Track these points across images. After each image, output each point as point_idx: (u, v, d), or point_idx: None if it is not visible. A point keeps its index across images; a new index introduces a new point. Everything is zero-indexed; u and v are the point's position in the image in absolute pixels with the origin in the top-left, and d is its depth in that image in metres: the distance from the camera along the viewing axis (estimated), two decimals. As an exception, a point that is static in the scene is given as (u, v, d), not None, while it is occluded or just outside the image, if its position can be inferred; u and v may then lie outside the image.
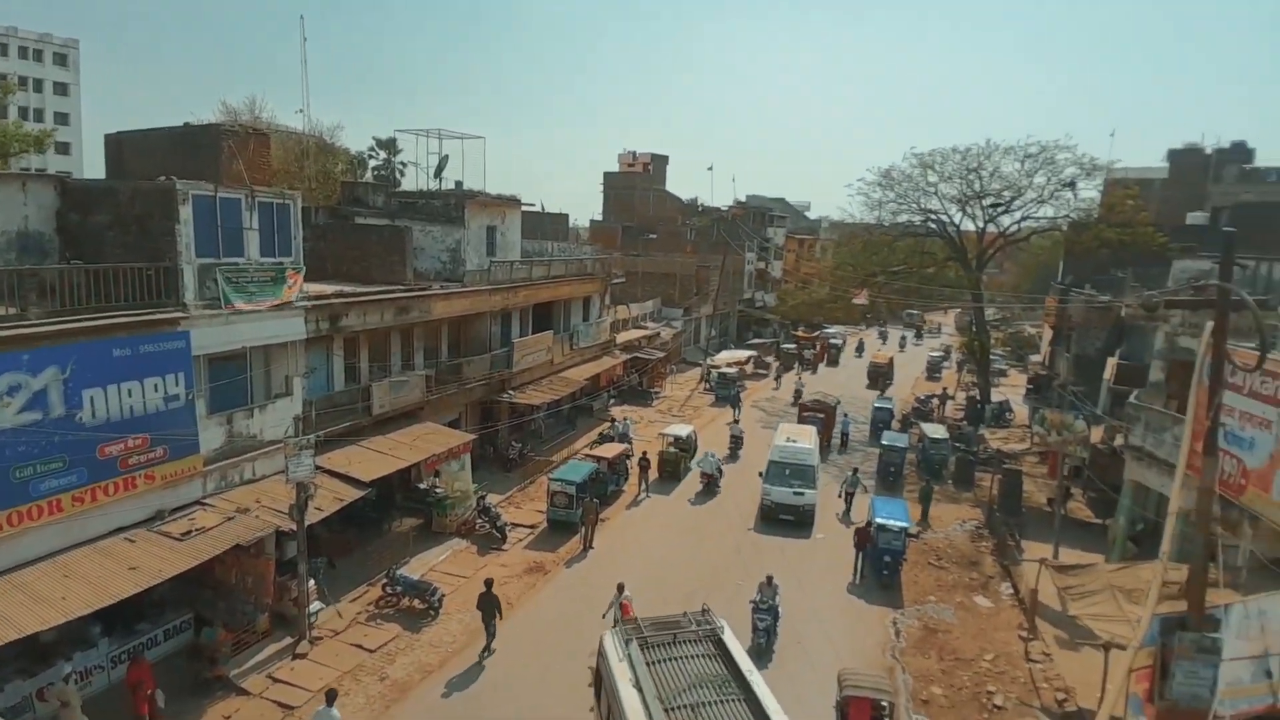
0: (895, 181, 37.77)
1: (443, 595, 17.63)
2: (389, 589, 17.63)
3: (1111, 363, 25.98)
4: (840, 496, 25.31)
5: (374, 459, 19.10)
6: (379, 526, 20.93)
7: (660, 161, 75.10)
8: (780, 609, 16.58)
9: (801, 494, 23.72)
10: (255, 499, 15.83)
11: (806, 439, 26.55)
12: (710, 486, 26.65)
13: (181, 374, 14.61)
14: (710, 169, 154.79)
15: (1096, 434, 23.50)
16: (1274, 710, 10.86)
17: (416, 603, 17.42)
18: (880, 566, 20.01)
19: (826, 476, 27.85)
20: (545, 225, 46.72)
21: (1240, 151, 50.07)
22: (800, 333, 60.75)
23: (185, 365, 14.70)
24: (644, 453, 27.34)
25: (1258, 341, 9.58)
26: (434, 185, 29.45)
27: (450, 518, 21.67)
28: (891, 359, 50.38)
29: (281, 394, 17.50)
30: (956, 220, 37.42)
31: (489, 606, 15.85)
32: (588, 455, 26.56)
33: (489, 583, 16.34)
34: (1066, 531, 21.75)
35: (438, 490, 21.89)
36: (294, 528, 15.24)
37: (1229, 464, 14.48)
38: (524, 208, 31.35)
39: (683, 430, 29.78)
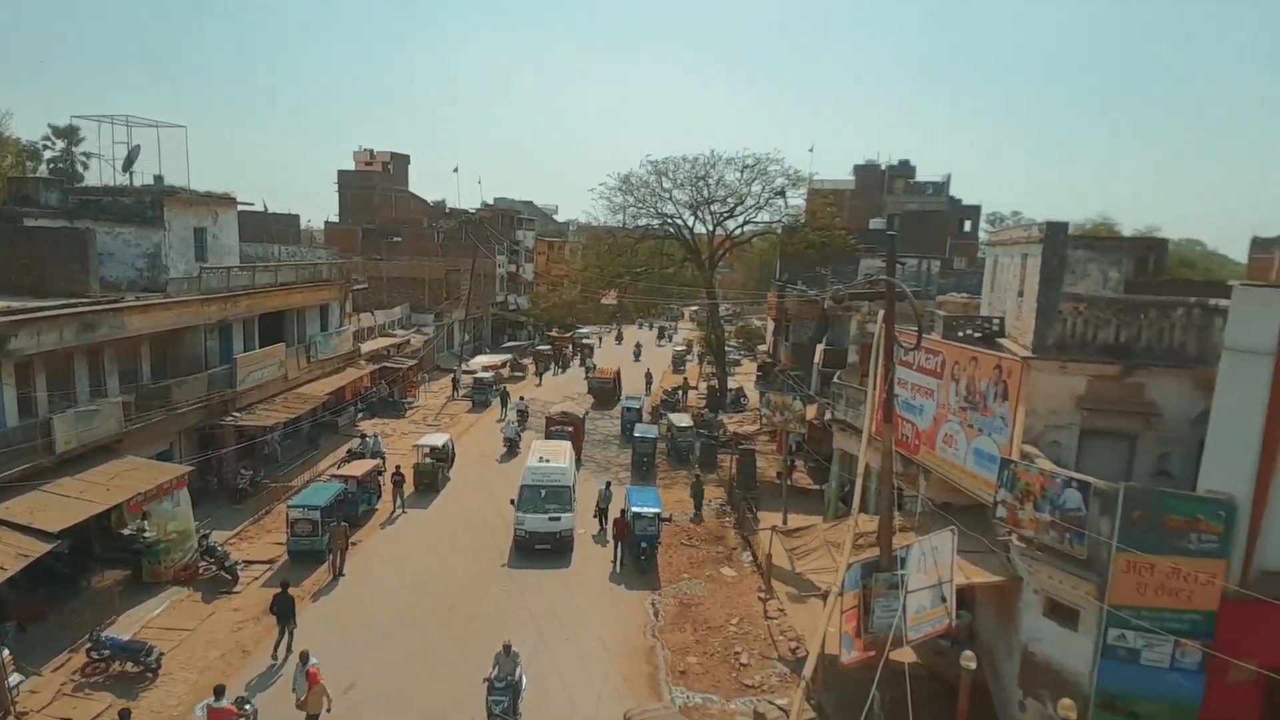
0: (634, 187, 39.90)
1: (160, 654, 15.38)
2: (94, 654, 15.05)
3: (819, 349, 29.88)
4: (595, 516, 24.01)
5: (62, 505, 16.12)
6: (76, 583, 17.66)
7: (401, 161, 71.82)
8: (524, 682, 14.31)
9: (558, 519, 21.93)
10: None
11: (560, 457, 24.55)
12: (512, 449, 31.84)
13: None
14: (455, 170, 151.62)
15: (811, 411, 26.85)
16: (949, 630, 13.18)
17: (130, 666, 15.08)
18: (638, 552, 21.07)
19: (585, 471, 28.66)
20: (271, 226, 42.54)
21: (905, 168, 60.22)
22: (555, 334, 61.84)
23: None
24: (398, 466, 26.05)
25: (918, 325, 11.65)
26: (124, 181, 25.39)
27: (165, 564, 18.91)
28: (619, 371, 45.20)
29: (-75, 437, 14.10)
30: (690, 224, 40.51)
31: (285, 609, 15.94)
32: (334, 475, 24.73)
33: (285, 584, 16.54)
34: (793, 499, 24.59)
35: (147, 534, 18.93)
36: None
37: (906, 428, 17.37)
38: (241, 207, 28.31)
39: (439, 439, 28.89)
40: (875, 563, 12.60)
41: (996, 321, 16.43)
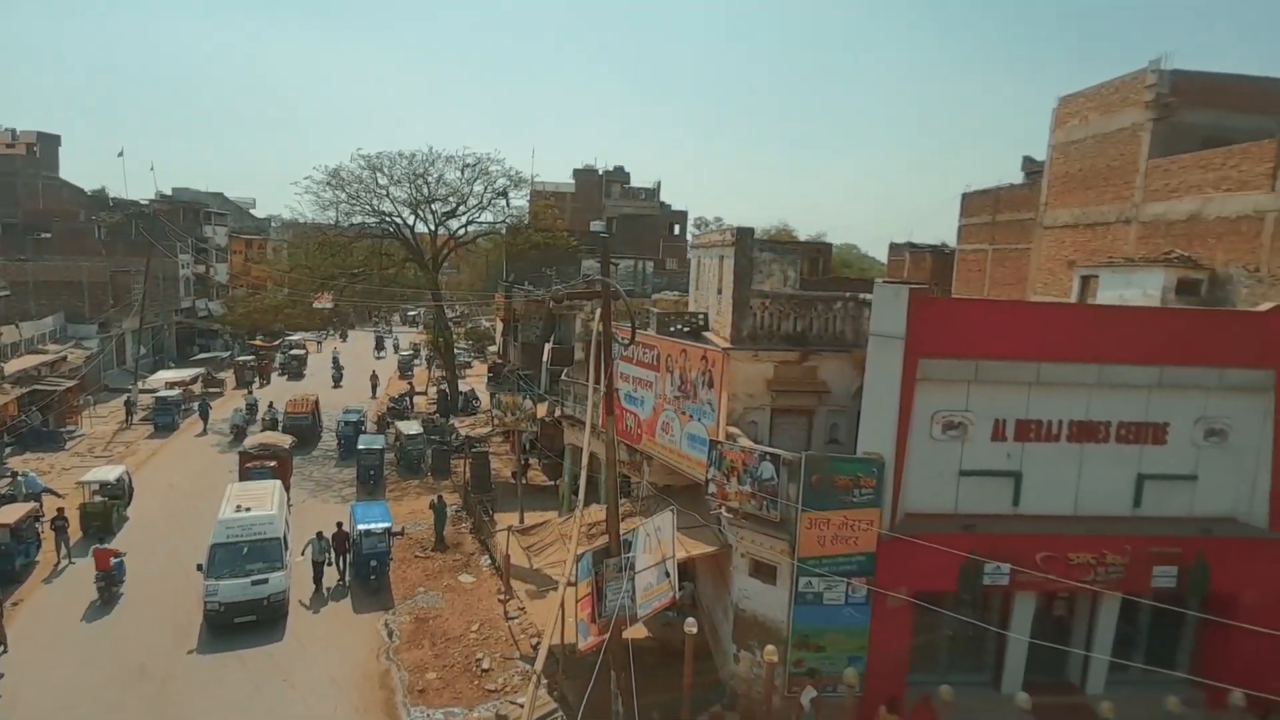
0: (346, 182, 37.25)
1: None
2: None
3: (548, 347, 30.55)
4: (305, 554, 20.06)
5: None
6: None
7: (50, 142, 59.73)
8: None
9: (266, 580, 17.86)
10: None
11: (264, 503, 20.16)
12: (239, 436, 32.42)
13: None
14: (120, 155, 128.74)
15: (542, 409, 27.38)
16: (674, 602, 14.30)
17: None
18: (367, 571, 19.83)
19: (302, 493, 26.16)
20: None
21: (621, 174, 63.90)
22: (260, 342, 55.58)
23: None
24: (60, 509, 21.57)
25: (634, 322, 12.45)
26: None
27: None
28: (316, 401, 36.89)
29: None
30: (410, 223, 38.90)
31: None
32: (-26, 527, 19.85)
33: None
34: (529, 498, 24.85)
35: None
36: None
37: (629, 419, 18.50)
38: None
39: (111, 473, 24.43)
40: (605, 549, 13.25)
41: (702, 317, 18.16)
